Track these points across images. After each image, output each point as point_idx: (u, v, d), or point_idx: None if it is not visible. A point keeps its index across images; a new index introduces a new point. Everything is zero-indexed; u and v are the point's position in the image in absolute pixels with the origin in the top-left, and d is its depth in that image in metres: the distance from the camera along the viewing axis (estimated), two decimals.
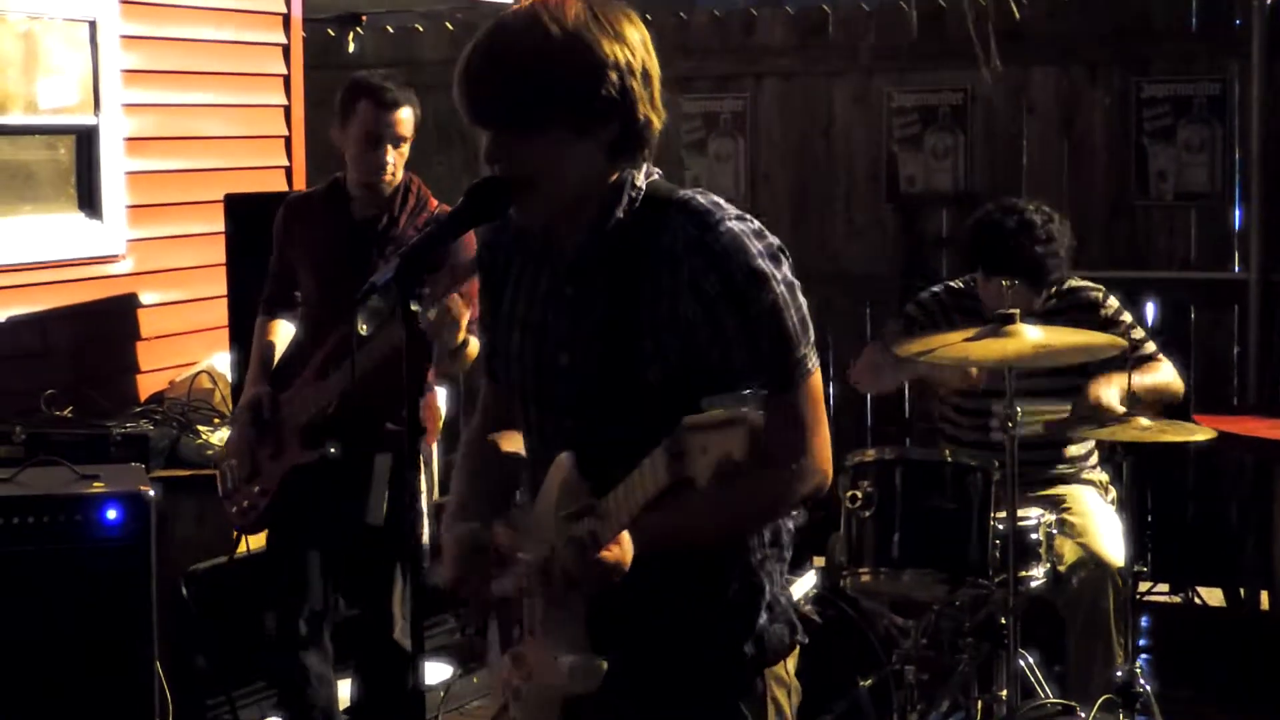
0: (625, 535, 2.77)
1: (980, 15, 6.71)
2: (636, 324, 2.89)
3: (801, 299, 2.92)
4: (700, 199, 2.91)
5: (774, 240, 2.92)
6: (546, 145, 2.84)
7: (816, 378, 2.93)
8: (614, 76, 2.81)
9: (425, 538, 5.58)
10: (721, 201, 2.93)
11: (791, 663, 3.10)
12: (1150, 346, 5.92)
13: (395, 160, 5.42)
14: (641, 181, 2.94)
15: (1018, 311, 5.28)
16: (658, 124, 2.90)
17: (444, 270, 5.15)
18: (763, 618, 3.02)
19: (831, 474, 2.96)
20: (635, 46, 2.85)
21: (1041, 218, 5.75)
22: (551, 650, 2.90)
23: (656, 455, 2.59)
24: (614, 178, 2.92)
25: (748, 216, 2.92)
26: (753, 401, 2.48)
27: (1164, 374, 5.83)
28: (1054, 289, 5.90)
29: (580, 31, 2.80)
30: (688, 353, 2.87)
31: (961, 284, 6.09)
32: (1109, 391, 5.57)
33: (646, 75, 2.87)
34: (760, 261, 2.86)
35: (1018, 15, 6.85)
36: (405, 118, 5.42)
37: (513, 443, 3.22)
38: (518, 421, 3.15)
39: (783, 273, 2.89)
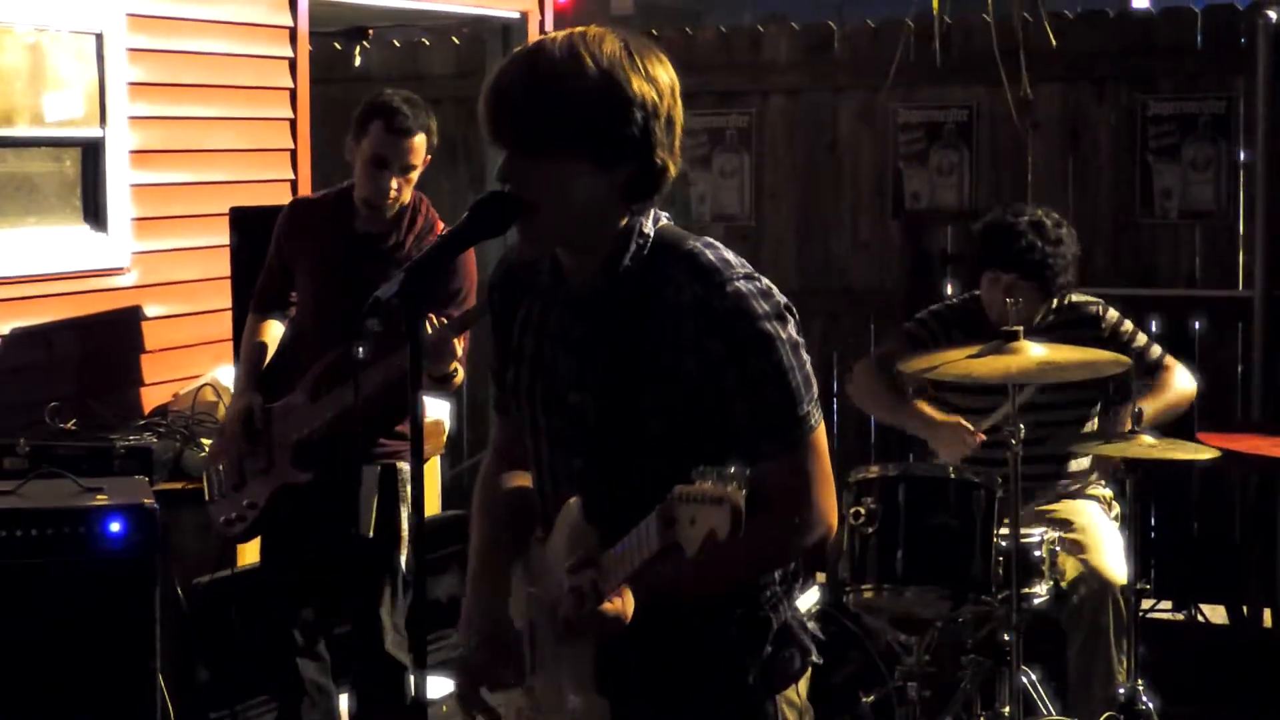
0: (626, 588, 2.81)
1: (1008, 38, 6.67)
2: (639, 375, 2.91)
3: (805, 356, 2.93)
4: (709, 255, 2.92)
5: (781, 299, 2.92)
6: (561, 173, 2.85)
7: (820, 433, 2.96)
8: (639, 116, 2.83)
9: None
10: (730, 257, 2.94)
11: (804, 685, 3.13)
12: (1156, 351, 5.93)
13: (400, 186, 5.41)
14: (650, 228, 2.96)
15: (1021, 329, 5.29)
16: (673, 171, 2.92)
17: (455, 317, 5.16)
18: (769, 647, 3.04)
19: (835, 525, 2.99)
20: (664, 91, 2.87)
21: (1051, 221, 5.83)
22: (559, 688, 2.95)
23: (650, 520, 2.64)
24: (623, 221, 2.93)
25: (755, 275, 2.93)
26: (738, 478, 2.52)
27: (1173, 387, 5.82)
28: (1056, 303, 5.91)
29: (614, 68, 2.82)
30: (690, 407, 2.89)
31: (964, 300, 6.10)
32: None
33: (670, 121, 2.89)
34: (765, 324, 2.87)
35: (1054, 41, 6.84)
36: (417, 145, 5.39)
37: (526, 480, 3.24)
38: (528, 458, 3.17)
39: (788, 333, 2.90)
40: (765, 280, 2.92)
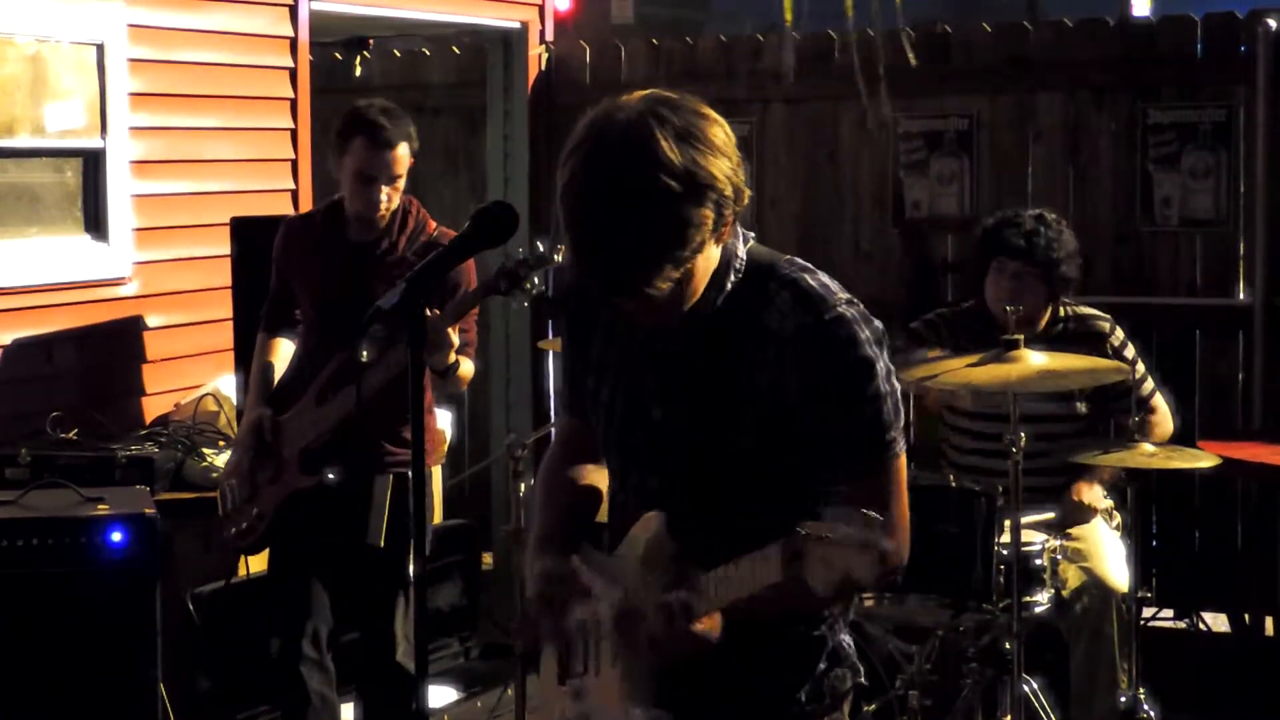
0: (717, 612, 2.84)
1: (871, 54, 6.65)
2: (736, 392, 2.93)
3: (897, 384, 2.98)
4: (809, 280, 2.96)
5: (879, 325, 2.97)
6: (680, 278, 2.85)
7: (902, 461, 3.00)
8: (728, 189, 2.83)
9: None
10: (829, 282, 2.98)
11: (847, 705, 3.15)
12: (1148, 387, 5.97)
13: (389, 195, 5.43)
14: (742, 251, 2.99)
15: (1022, 337, 5.29)
16: (747, 194, 2.91)
17: (449, 304, 5.18)
18: (822, 664, 3.08)
19: (907, 556, 2.99)
20: (731, 153, 2.86)
21: (1052, 217, 6.01)
22: (619, 697, 2.97)
23: (771, 553, 2.68)
24: (718, 249, 2.94)
25: (855, 300, 2.97)
26: (874, 523, 2.58)
27: (1154, 435, 5.84)
28: (1064, 312, 5.94)
29: (691, 168, 2.78)
30: (784, 427, 2.92)
31: (968, 306, 6.11)
32: (1092, 491, 5.69)
33: (739, 165, 2.88)
34: (867, 349, 2.92)
35: (913, 61, 6.82)
36: (400, 156, 5.41)
37: (591, 476, 3.27)
38: (601, 461, 3.21)
39: (885, 359, 2.95)
40: (862, 306, 2.97)
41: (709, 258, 2.90)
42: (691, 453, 2.98)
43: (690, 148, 2.79)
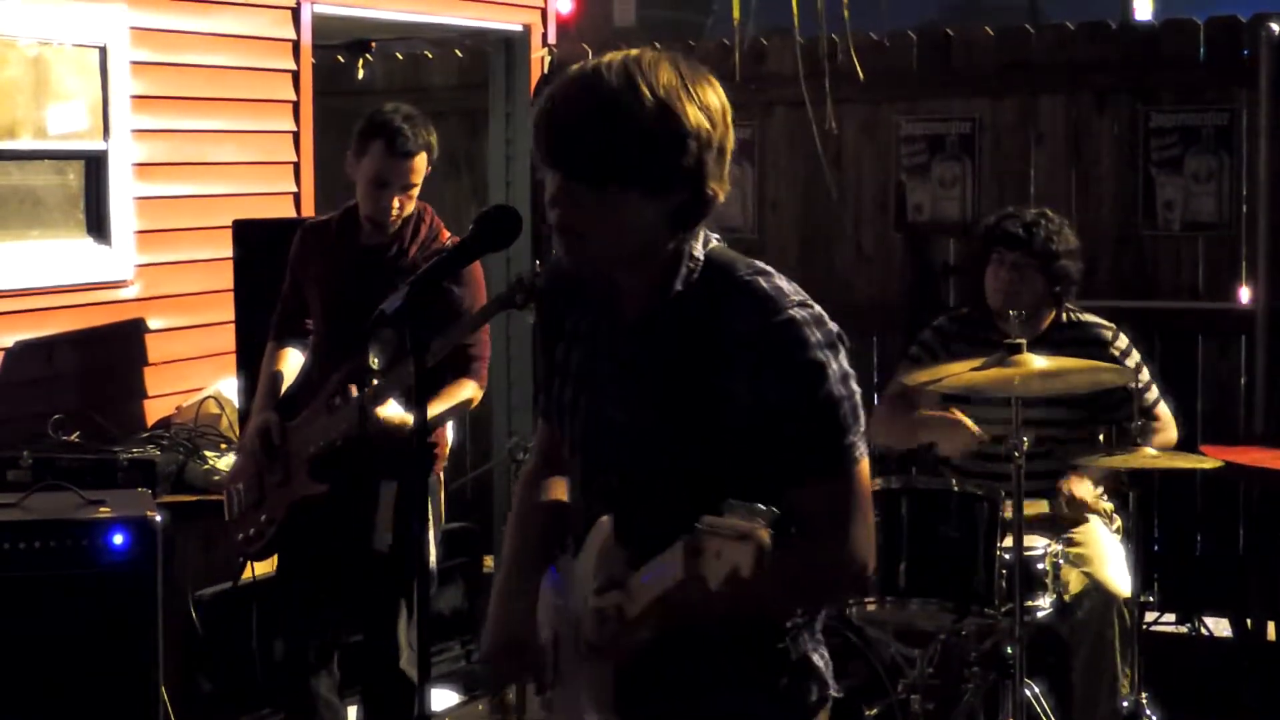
0: (648, 612, 2.79)
1: (824, 58, 6.62)
2: (689, 396, 2.89)
3: (855, 387, 2.93)
4: (763, 283, 2.91)
5: (833, 328, 2.92)
6: (614, 202, 2.83)
7: (863, 467, 2.94)
8: (694, 148, 2.83)
9: (432, 564, 5.61)
10: (784, 285, 2.93)
11: (824, 716, 3.09)
12: (1151, 395, 5.95)
13: (401, 203, 5.42)
14: (700, 251, 2.95)
15: (1024, 341, 5.29)
16: (721, 197, 2.91)
17: (463, 320, 5.18)
18: (785, 679, 3.02)
19: (873, 563, 2.95)
20: (717, 120, 2.87)
21: (1057, 217, 6.03)
22: (578, 705, 2.95)
23: (676, 549, 2.63)
24: (671, 244, 2.92)
25: (809, 302, 2.92)
26: (766, 516, 2.52)
27: (1159, 434, 5.82)
28: (1066, 317, 5.94)
29: (670, 99, 2.81)
30: (736, 432, 2.88)
31: (966, 310, 6.11)
32: (1083, 486, 5.68)
33: (721, 150, 2.89)
34: (818, 352, 2.87)
35: (861, 75, 6.80)
36: (418, 165, 5.40)
37: (565, 490, 3.26)
38: (567, 471, 3.19)
39: (839, 362, 2.90)
40: (818, 308, 2.93)
41: (648, 223, 2.86)
42: (648, 455, 2.94)
43: (677, 90, 2.82)
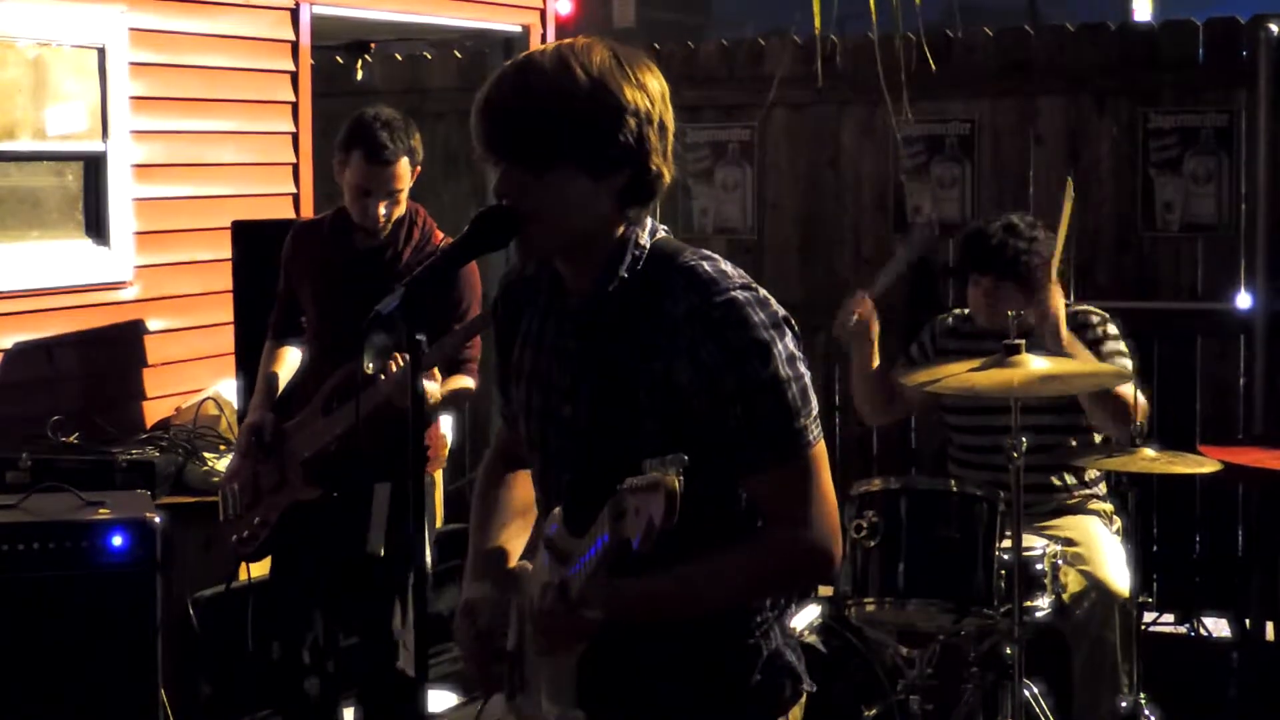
0: (597, 590, 2.74)
1: (892, 63, 6.63)
2: (633, 385, 2.88)
3: (804, 370, 2.89)
4: (705, 266, 2.90)
5: (779, 310, 2.89)
6: (558, 184, 2.84)
7: (819, 450, 2.90)
8: (632, 123, 2.83)
9: (429, 565, 5.61)
10: (728, 269, 2.91)
11: (797, 712, 3.08)
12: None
13: (387, 209, 5.40)
14: (645, 240, 2.94)
15: (1022, 343, 5.29)
16: (667, 177, 2.91)
17: (460, 327, 5.18)
18: (757, 675, 2.99)
19: (839, 550, 2.92)
20: (655, 97, 2.88)
21: (1025, 223, 5.89)
22: (540, 701, 2.94)
23: (602, 515, 2.61)
24: (620, 230, 2.92)
25: (753, 285, 2.90)
26: (675, 464, 2.50)
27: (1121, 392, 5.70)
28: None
29: (605, 77, 2.83)
30: (682, 418, 2.85)
31: (960, 313, 6.11)
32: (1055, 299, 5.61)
33: (663, 127, 2.89)
34: (761, 332, 2.84)
35: (933, 67, 6.81)
36: (400, 172, 5.37)
37: (524, 485, 3.25)
38: (531, 473, 3.18)
39: (784, 343, 2.86)
40: (763, 291, 2.89)
41: (593, 205, 2.87)
42: (595, 448, 2.92)
43: (611, 69, 2.84)
